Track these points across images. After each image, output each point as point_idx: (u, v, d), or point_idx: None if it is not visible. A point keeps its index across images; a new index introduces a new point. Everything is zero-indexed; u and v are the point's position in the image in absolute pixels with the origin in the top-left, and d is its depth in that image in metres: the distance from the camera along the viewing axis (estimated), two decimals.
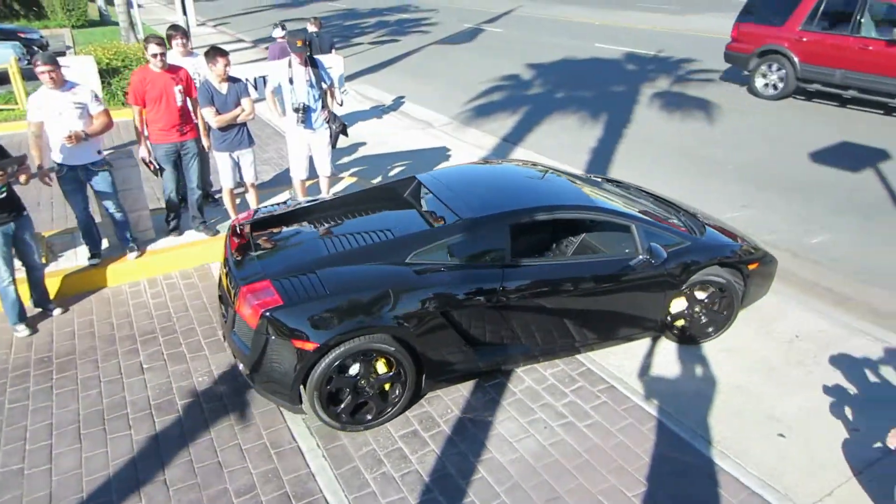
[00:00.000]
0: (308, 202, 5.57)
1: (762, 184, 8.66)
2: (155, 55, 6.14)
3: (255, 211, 5.48)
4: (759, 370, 4.92)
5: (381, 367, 4.24)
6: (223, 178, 6.64)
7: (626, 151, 10.20)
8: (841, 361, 5.01)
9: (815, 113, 11.95)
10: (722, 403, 4.56)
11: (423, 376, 4.39)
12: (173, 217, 6.80)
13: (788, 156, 9.65)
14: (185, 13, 17.38)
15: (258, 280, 4.18)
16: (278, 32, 11.07)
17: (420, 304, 4.23)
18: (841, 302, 5.88)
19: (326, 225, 4.97)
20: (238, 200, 7.01)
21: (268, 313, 3.98)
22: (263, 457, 4.10)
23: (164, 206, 6.92)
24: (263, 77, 10.62)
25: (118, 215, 6.20)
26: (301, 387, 4.10)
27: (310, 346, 3.96)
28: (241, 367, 4.30)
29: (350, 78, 15.51)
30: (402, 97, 14.07)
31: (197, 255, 6.59)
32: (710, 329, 5.24)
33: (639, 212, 5.25)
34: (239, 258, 4.54)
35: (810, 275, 6.36)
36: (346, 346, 4.04)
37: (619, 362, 4.99)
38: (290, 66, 6.60)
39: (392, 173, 9.14)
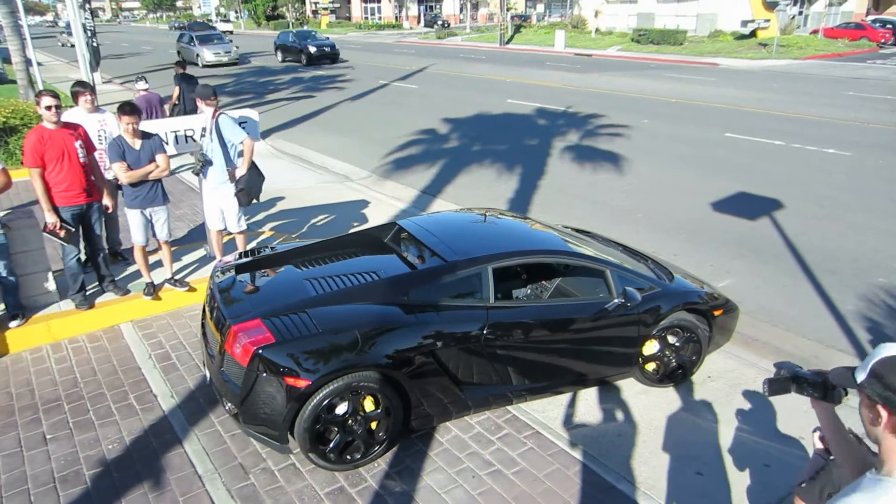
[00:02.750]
0: (293, 246, 5.65)
1: (670, 230, 9.09)
2: (49, 107, 5.74)
3: (240, 254, 5.52)
4: (674, 410, 5.08)
5: (368, 404, 4.26)
6: (135, 236, 6.38)
7: (541, 201, 10.52)
8: (750, 399, 5.23)
9: (715, 165, 12.73)
10: (642, 444, 4.67)
11: (411, 413, 4.43)
12: (79, 289, 6.26)
13: (693, 205, 10.20)
14: (94, 70, 16.88)
15: (249, 319, 4.19)
16: (142, 85, 11.21)
17: (408, 343, 4.30)
18: (748, 343, 6.17)
19: (313, 267, 5.04)
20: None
21: (260, 351, 3.99)
22: None
23: (63, 270, 6.31)
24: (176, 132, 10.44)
25: (9, 279, 5.85)
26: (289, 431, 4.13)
27: (301, 383, 3.97)
28: (227, 406, 4.31)
29: (266, 133, 15.45)
30: (320, 152, 14.08)
31: (105, 316, 6.28)
32: (680, 372, 5.38)
33: (612, 258, 5.44)
34: (227, 298, 4.57)
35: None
36: (336, 384, 4.05)
37: (543, 408, 5.04)
38: (208, 118, 6.68)
39: (312, 227, 9.07)
